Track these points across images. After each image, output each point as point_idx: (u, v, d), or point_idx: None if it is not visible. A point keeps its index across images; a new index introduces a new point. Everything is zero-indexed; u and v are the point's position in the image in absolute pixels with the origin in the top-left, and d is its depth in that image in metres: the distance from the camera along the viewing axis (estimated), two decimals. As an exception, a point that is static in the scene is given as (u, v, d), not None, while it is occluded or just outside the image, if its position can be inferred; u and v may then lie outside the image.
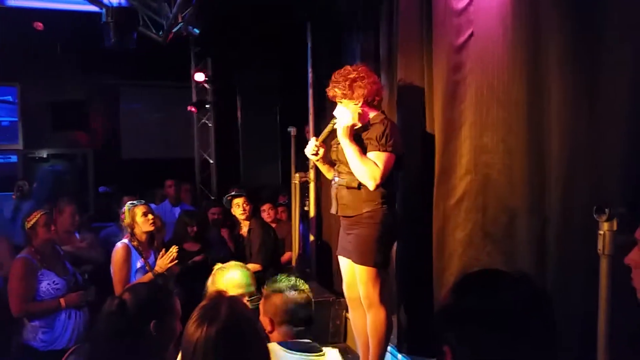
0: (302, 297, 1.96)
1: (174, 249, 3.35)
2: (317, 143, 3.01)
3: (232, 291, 2.15)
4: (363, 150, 2.84)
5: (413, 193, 3.33)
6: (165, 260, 3.32)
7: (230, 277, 2.22)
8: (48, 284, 3.15)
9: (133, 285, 2.92)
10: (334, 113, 2.93)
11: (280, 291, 1.92)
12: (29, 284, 3.11)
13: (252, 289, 2.25)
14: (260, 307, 1.98)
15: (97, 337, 1.74)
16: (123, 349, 1.66)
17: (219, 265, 2.33)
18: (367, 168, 2.79)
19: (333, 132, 3.02)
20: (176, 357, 1.85)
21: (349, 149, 2.82)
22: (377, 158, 2.81)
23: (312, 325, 1.98)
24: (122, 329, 1.69)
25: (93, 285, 3.47)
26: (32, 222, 3.21)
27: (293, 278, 2.01)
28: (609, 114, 2.03)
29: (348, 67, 2.99)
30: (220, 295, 1.56)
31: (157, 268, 3.31)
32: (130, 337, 1.69)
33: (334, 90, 2.96)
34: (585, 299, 1.96)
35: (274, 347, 1.78)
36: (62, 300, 3.15)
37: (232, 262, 2.34)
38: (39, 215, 3.23)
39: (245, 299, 2.17)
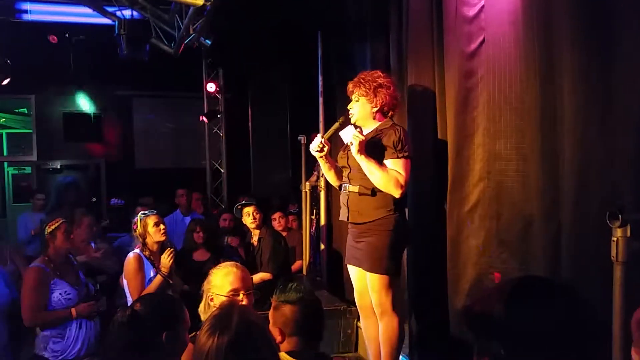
0: (313, 310, 1.92)
1: (168, 250, 3.39)
2: (323, 140, 2.99)
3: (228, 287, 2.15)
4: (374, 156, 2.83)
5: (426, 200, 3.31)
6: (166, 258, 3.34)
7: (225, 274, 2.21)
8: (60, 293, 3.16)
9: (144, 295, 2.93)
10: (345, 141, 2.89)
11: (291, 303, 1.89)
12: (41, 294, 3.11)
13: (249, 283, 2.25)
14: (270, 317, 1.96)
15: (109, 349, 1.73)
16: (134, 359, 1.66)
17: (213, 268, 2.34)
18: (391, 178, 2.78)
19: (338, 135, 3.01)
20: None
21: (367, 164, 2.79)
22: (397, 165, 2.82)
23: (322, 338, 1.96)
24: (134, 340, 1.68)
25: (104, 296, 3.48)
26: (52, 228, 3.22)
27: (303, 288, 1.97)
28: (623, 120, 2.02)
29: (379, 72, 3.02)
30: (231, 304, 1.56)
31: (162, 269, 3.33)
32: (142, 348, 1.68)
33: (357, 87, 2.95)
34: (600, 305, 1.94)
35: (283, 357, 1.77)
36: (73, 310, 3.15)
37: (227, 262, 2.33)
38: (60, 222, 3.25)
39: (242, 294, 2.17)
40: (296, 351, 1.82)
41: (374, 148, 2.85)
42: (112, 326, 1.74)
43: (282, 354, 1.77)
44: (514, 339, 0.87)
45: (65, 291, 3.17)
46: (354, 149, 2.78)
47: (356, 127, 2.94)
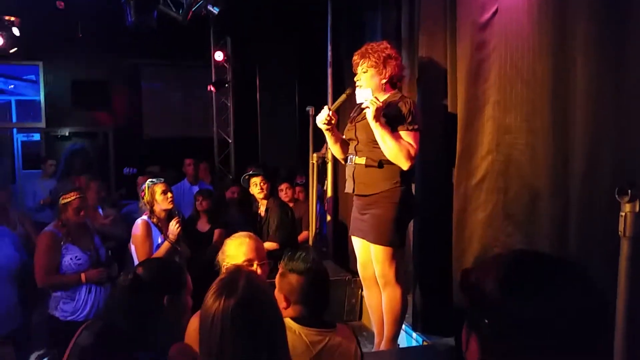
0: (319, 281, 1.92)
1: (176, 218, 3.44)
2: (331, 112, 2.97)
3: (242, 258, 2.16)
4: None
5: (433, 173, 3.30)
6: (174, 225, 3.38)
7: (239, 244, 2.22)
8: (70, 258, 3.22)
9: (147, 260, 2.96)
10: (358, 100, 2.84)
11: (298, 272, 1.89)
12: (51, 257, 3.19)
13: (263, 253, 2.26)
14: (276, 282, 1.97)
15: (111, 312, 1.75)
16: (136, 324, 1.68)
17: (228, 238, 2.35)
18: (403, 148, 2.76)
19: (346, 105, 2.98)
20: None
21: (381, 132, 2.75)
22: (408, 137, 2.80)
23: (328, 307, 1.97)
24: (136, 304, 1.70)
25: (115, 262, 3.53)
26: (65, 201, 3.27)
27: (311, 258, 1.96)
28: (636, 94, 1.98)
29: (385, 43, 2.97)
30: (238, 269, 1.57)
31: (170, 236, 3.38)
32: (144, 311, 1.70)
33: (366, 58, 2.91)
34: (606, 281, 1.93)
35: (288, 323, 1.79)
36: (82, 275, 3.21)
37: (241, 232, 2.32)
38: (73, 198, 3.28)
39: (256, 264, 2.18)
40: (300, 317, 1.84)
41: (384, 120, 2.83)
42: (115, 290, 1.76)
43: (287, 320, 1.79)
44: (511, 316, 0.85)
45: (76, 256, 3.23)
46: (369, 115, 2.73)
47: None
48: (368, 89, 2.81)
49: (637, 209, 1.74)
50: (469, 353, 0.90)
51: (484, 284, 0.89)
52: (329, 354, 1.81)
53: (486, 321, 0.86)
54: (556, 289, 0.88)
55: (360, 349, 1.94)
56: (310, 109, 4.75)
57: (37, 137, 9.06)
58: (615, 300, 1.78)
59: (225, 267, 2.21)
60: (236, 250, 2.21)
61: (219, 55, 7.92)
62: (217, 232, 4.43)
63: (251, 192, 4.62)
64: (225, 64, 8.14)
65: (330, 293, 1.97)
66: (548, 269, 0.93)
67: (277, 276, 1.95)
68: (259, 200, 4.59)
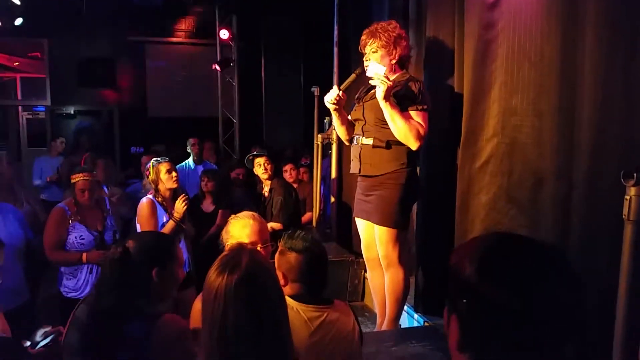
0: (317, 260, 1.93)
1: (183, 196, 3.45)
2: (340, 92, 2.93)
3: (245, 240, 2.17)
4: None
5: (438, 154, 3.29)
6: (180, 204, 3.39)
7: (243, 226, 2.23)
8: (75, 237, 3.25)
9: (137, 233, 2.98)
10: (368, 73, 2.80)
11: (296, 251, 1.90)
12: (56, 233, 3.23)
13: (266, 236, 2.26)
14: (275, 259, 1.98)
15: (101, 284, 1.77)
16: (126, 296, 1.70)
17: (233, 217, 2.35)
18: (413, 128, 2.74)
19: (353, 87, 2.95)
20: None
21: (391, 111, 2.71)
22: (418, 117, 2.78)
23: (326, 287, 1.98)
24: (125, 276, 1.72)
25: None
26: (73, 181, 3.33)
27: (310, 238, 1.97)
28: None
29: (394, 22, 2.94)
30: (241, 246, 1.58)
31: (175, 214, 3.39)
32: (133, 283, 1.72)
33: (376, 38, 2.87)
34: (609, 264, 1.94)
35: (287, 300, 1.80)
36: (83, 256, 3.24)
37: (245, 212, 2.32)
38: (79, 179, 3.31)
39: (259, 246, 2.19)
40: (298, 295, 1.86)
41: (394, 100, 2.80)
42: (104, 262, 1.78)
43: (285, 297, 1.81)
44: (485, 304, 0.85)
45: (81, 236, 3.25)
46: (379, 94, 2.69)
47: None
48: (381, 65, 2.76)
49: (642, 193, 1.74)
50: (450, 332, 0.91)
51: (462, 264, 0.89)
52: (327, 328, 1.84)
53: (464, 301, 0.87)
54: (549, 275, 0.87)
55: (358, 323, 1.97)
56: (316, 89, 4.73)
57: (42, 115, 9.07)
58: (615, 283, 1.79)
59: (228, 246, 2.22)
60: (240, 232, 2.21)
61: (224, 34, 7.85)
62: (220, 212, 4.45)
63: (255, 172, 4.63)
64: (231, 42, 8.07)
65: (328, 272, 1.98)
66: (550, 252, 0.92)
67: (277, 254, 1.96)
68: (263, 180, 4.60)
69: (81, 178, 3.32)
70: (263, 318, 1.34)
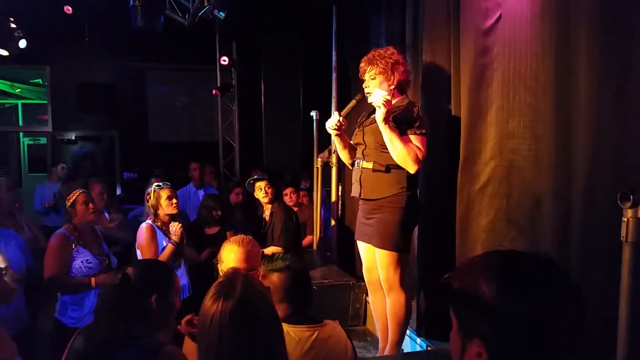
0: (300, 277, 1.99)
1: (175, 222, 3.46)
2: (341, 118, 2.97)
3: (232, 264, 2.15)
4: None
5: (437, 178, 3.31)
6: (176, 225, 3.40)
7: (229, 251, 2.22)
8: (82, 261, 3.19)
9: (137, 261, 2.97)
10: (370, 101, 2.83)
11: (277, 270, 1.96)
12: (61, 259, 3.16)
13: (254, 262, 2.20)
14: None
15: (101, 310, 1.77)
16: (124, 323, 1.70)
17: (226, 241, 2.36)
18: (412, 152, 2.77)
19: (353, 112, 2.98)
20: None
21: (390, 134, 2.74)
22: (416, 141, 2.81)
23: (311, 305, 2.01)
24: (124, 302, 1.73)
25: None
26: (71, 200, 3.27)
27: (288, 257, 2.05)
28: (638, 100, 1.99)
29: (392, 49, 2.99)
30: (235, 272, 1.60)
31: (173, 237, 3.39)
32: (132, 310, 1.73)
33: (374, 65, 2.92)
34: (608, 286, 1.94)
35: None
36: (92, 280, 3.18)
37: (236, 237, 2.30)
38: (78, 194, 3.29)
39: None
40: (286, 317, 1.88)
41: (392, 123, 2.84)
42: (104, 289, 1.78)
43: None
44: (511, 321, 0.86)
45: (87, 260, 3.20)
46: (379, 116, 2.72)
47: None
48: (381, 91, 2.79)
49: (639, 215, 1.75)
50: (467, 359, 0.91)
51: (478, 287, 0.89)
52: (319, 347, 1.86)
53: (487, 324, 0.88)
54: (558, 293, 0.89)
55: (350, 340, 1.98)
56: (315, 114, 4.78)
57: (43, 140, 9.12)
58: (615, 304, 1.79)
59: (220, 270, 2.24)
60: (226, 256, 2.23)
61: (224, 60, 7.97)
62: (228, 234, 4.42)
63: (256, 196, 4.64)
64: (231, 69, 8.18)
65: (312, 288, 2.05)
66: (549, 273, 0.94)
67: (259, 279, 1.98)
68: (264, 204, 4.61)
69: (80, 192, 3.31)
70: (258, 344, 1.34)
